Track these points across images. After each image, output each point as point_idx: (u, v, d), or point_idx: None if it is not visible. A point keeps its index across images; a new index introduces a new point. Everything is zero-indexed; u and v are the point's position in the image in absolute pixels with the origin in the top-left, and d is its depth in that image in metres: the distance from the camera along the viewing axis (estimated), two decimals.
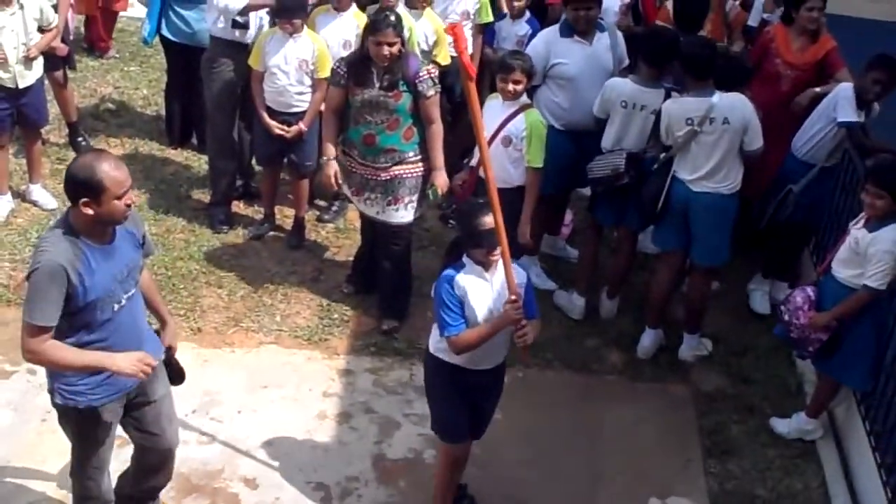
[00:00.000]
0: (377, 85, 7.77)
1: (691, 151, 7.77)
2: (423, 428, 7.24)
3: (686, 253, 8.16)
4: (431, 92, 7.84)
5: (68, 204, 5.23)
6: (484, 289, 5.93)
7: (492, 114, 7.89)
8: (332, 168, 8.05)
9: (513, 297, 5.81)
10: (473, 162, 8.09)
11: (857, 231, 7.06)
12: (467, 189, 8.07)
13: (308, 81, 8.71)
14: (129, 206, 5.26)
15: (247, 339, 8.12)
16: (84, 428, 5.70)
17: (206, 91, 9.15)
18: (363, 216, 8.38)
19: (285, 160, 9.04)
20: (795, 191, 8.28)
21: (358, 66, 7.83)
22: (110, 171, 5.15)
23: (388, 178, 7.95)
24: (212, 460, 6.99)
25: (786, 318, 7.39)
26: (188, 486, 6.78)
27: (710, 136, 7.69)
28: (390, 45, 7.65)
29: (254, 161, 9.59)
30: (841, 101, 8.13)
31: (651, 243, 8.74)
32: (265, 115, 8.74)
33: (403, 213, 8.08)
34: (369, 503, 6.85)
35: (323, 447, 7.23)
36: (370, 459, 7.17)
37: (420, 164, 8.00)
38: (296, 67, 8.62)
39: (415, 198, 8.08)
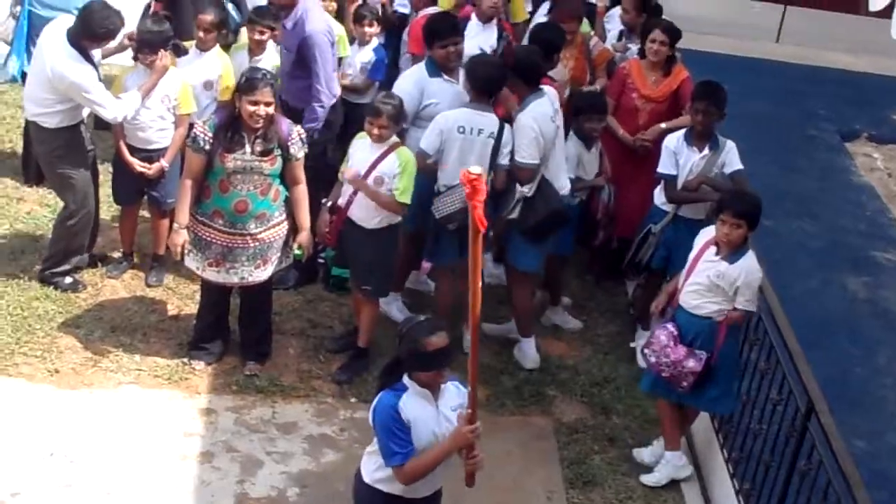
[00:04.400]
0: (249, 150, 7.53)
1: (555, 158, 8.08)
2: (285, 466, 7.24)
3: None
4: (301, 154, 7.72)
5: None
6: (429, 412, 5.52)
7: (362, 154, 7.85)
8: (182, 238, 7.75)
9: (473, 423, 5.45)
10: (341, 201, 7.98)
11: (714, 264, 7.18)
12: (334, 231, 8.03)
13: (170, 117, 8.58)
14: None
15: (105, 379, 7.97)
16: None
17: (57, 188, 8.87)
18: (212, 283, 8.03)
19: (145, 197, 8.91)
20: (654, 231, 8.44)
21: (228, 131, 7.52)
22: None
23: (257, 244, 7.77)
24: None
25: (653, 360, 7.37)
26: None
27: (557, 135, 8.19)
28: (267, 104, 7.40)
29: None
30: (663, 151, 8.36)
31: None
32: (126, 153, 8.57)
33: (270, 271, 7.96)
34: None
35: (185, 488, 7.14)
36: (233, 499, 7.11)
37: (285, 222, 7.88)
38: (157, 103, 8.51)
39: (280, 254, 7.97)
